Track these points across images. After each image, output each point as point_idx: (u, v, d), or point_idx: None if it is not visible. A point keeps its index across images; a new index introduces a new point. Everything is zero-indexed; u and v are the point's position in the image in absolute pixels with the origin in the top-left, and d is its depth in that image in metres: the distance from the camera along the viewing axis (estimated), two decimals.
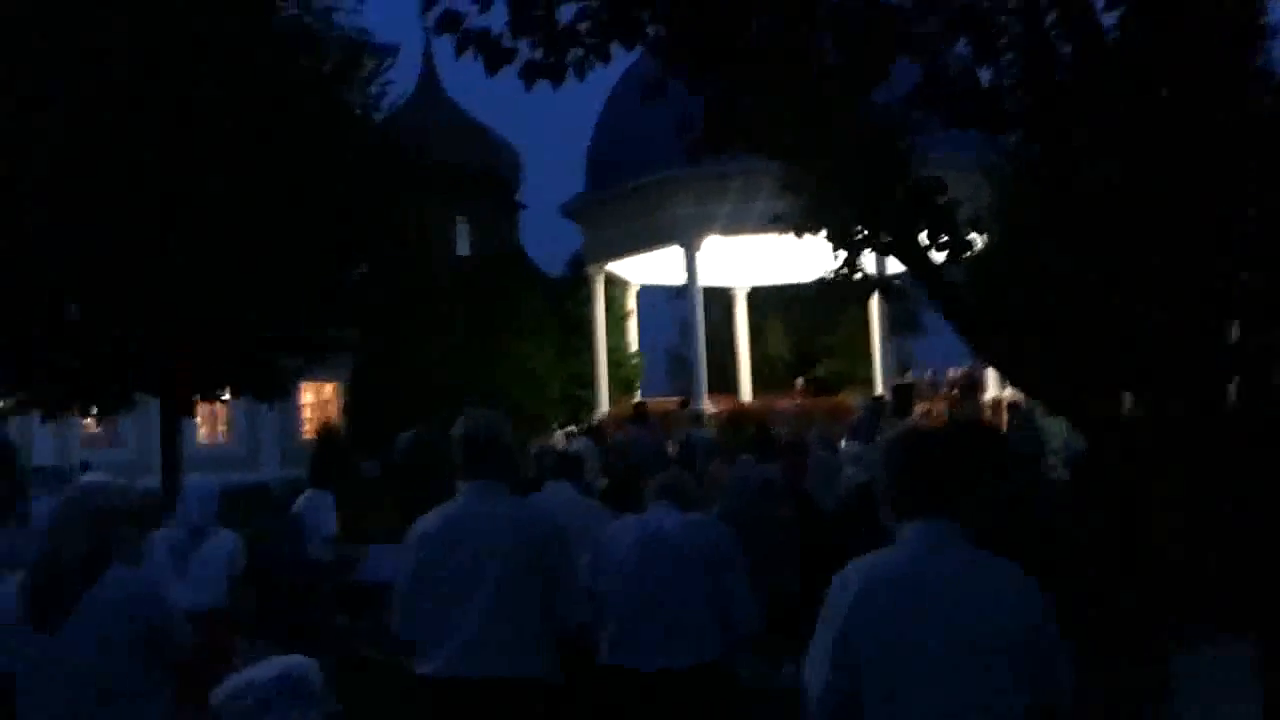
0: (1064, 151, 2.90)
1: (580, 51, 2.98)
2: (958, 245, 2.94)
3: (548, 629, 3.37)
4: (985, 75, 3.09)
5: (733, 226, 18.40)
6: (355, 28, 11.72)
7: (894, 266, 3.12)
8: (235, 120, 9.85)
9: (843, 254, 3.10)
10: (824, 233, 3.05)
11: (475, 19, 3.05)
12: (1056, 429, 10.10)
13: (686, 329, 22.73)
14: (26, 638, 3.10)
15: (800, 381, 22.60)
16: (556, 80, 2.97)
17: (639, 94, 3.31)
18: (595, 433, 16.87)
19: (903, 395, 18.59)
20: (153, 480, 12.48)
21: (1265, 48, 2.70)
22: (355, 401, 23.80)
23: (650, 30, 3.02)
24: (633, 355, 25.44)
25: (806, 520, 7.63)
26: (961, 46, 3.03)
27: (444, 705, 3.30)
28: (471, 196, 29.78)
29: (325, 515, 8.70)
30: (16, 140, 9.50)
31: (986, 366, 15.48)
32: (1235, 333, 2.73)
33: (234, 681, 3.94)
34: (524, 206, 33.67)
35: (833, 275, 3.19)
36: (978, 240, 3.27)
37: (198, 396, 11.58)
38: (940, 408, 18.97)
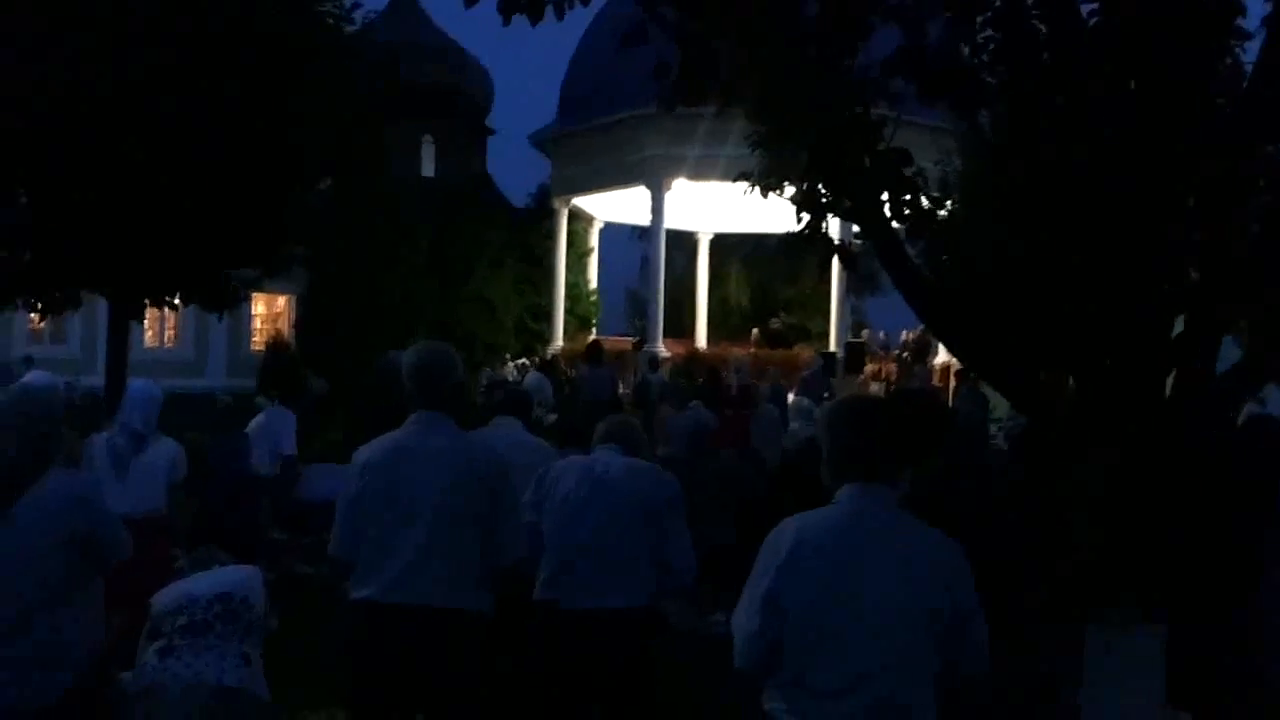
0: (1032, 131, 2.93)
1: None
2: (920, 218, 2.97)
3: (485, 563, 3.41)
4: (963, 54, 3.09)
5: (701, 171, 18.33)
6: None
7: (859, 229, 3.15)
8: (199, 25, 9.59)
9: (806, 216, 3.11)
10: (788, 193, 3.07)
11: None
12: (1002, 399, 10.29)
13: (647, 269, 22.66)
14: None
15: (756, 332, 22.72)
16: (535, 17, 2.93)
17: (617, 36, 3.28)
18: (549, 367, 16.90)
19: (855, 353, 18.81)
20: (96, 380, 12.32)
21: (1236, 51, 2.73)
22: (307, 317, 23.57)
23: None
24: (591, 292, 25.38)
25: (748, 472, 7.74)
26: (942, 18, 3.03)
27: (376, 629, 3.35)
28: (440, 116, 29.31)
29: (285, 433, 8.73)
30: None
31: None
32: (1179, 327, 2.80)
33: (175, 591, 3.95)
34: (493, 131, 33.21)
35: (795, 235, 3.20)
36: (941, 212, 3.29)
37: (146, 300, 11.39)
38: (890, 368, 19.23)
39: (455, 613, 3.33)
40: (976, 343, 2.94)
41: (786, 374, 16.12)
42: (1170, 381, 2.75)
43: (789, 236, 3.21)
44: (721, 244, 26.93)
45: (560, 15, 2.96)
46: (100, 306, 12.01)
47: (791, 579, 2.51)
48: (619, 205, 22.44)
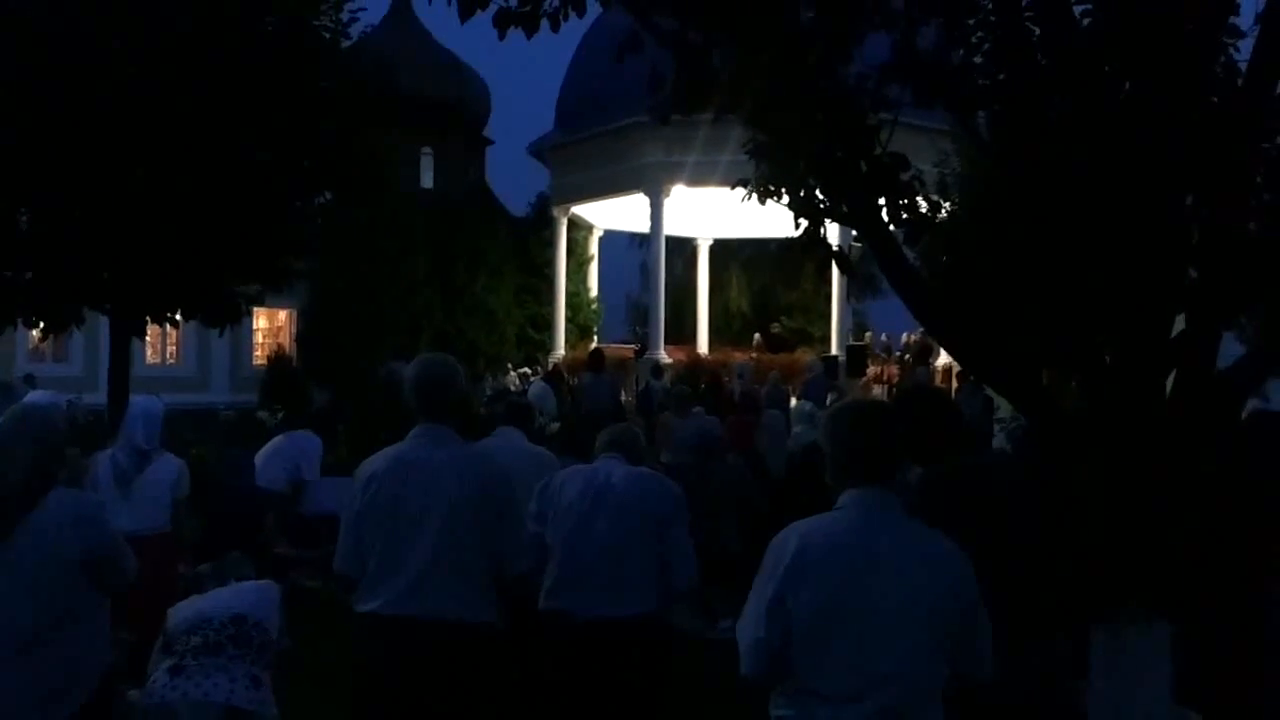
0: (1028, 132, 2.93)
1: (556, 2, 2.96)
2: (918, 222, 2.97)
3: (490, 574, 3.41)
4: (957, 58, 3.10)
5: (700, 177, 18.35)
6: None
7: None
8: (199, 40, 9.61)
9: (804, 222, 3.12)
10: (786, 200, 3.07)
11: None
12: (1004, 400, 10.29)
13: (647, 277, 22.68)
14: None
15: (757, 337, 22.72)
16: (530, 30, 2.94)
17: (613, 45, 3.29)
18: (554, 376, 16.91)
19: (856, 356, 18.80)
20: (99, 398, 12.34)
21: (1230, 50, 2.74)
22: (309, 331, 23.60)
23: None
24: (592, 301, 25.41)
25: (752, 478, 7.74)
26: (934, 25, 3.03)
27: (383, 642, 3.35)
28: (438, 128, 29.37)
29: (310, 456, 8.67)
30: None
31: None
32: (1180, 326, 2.81)
33: (190, 610, 3.95)
34: (491, 142, 33.28)
35: (793, 240, 3.21)
36: (940, 216, 3.30)
37: (148, 317, 11.40)
38: (893, 371, 19.24)
39: (462, 625, 3.33)
40: (976, 344, 2.94)
41: (789, 378, 16.12)
42: (1171, 380, 2.76)
43: (788, 242, 3.22)
44: (721, 249, 26.96)
45: (555, 28, 2.97)
46: (102, 324, 12.01)
47: (796, 585, 2.51)
48: (618, 213, 22.46)
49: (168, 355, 25.77)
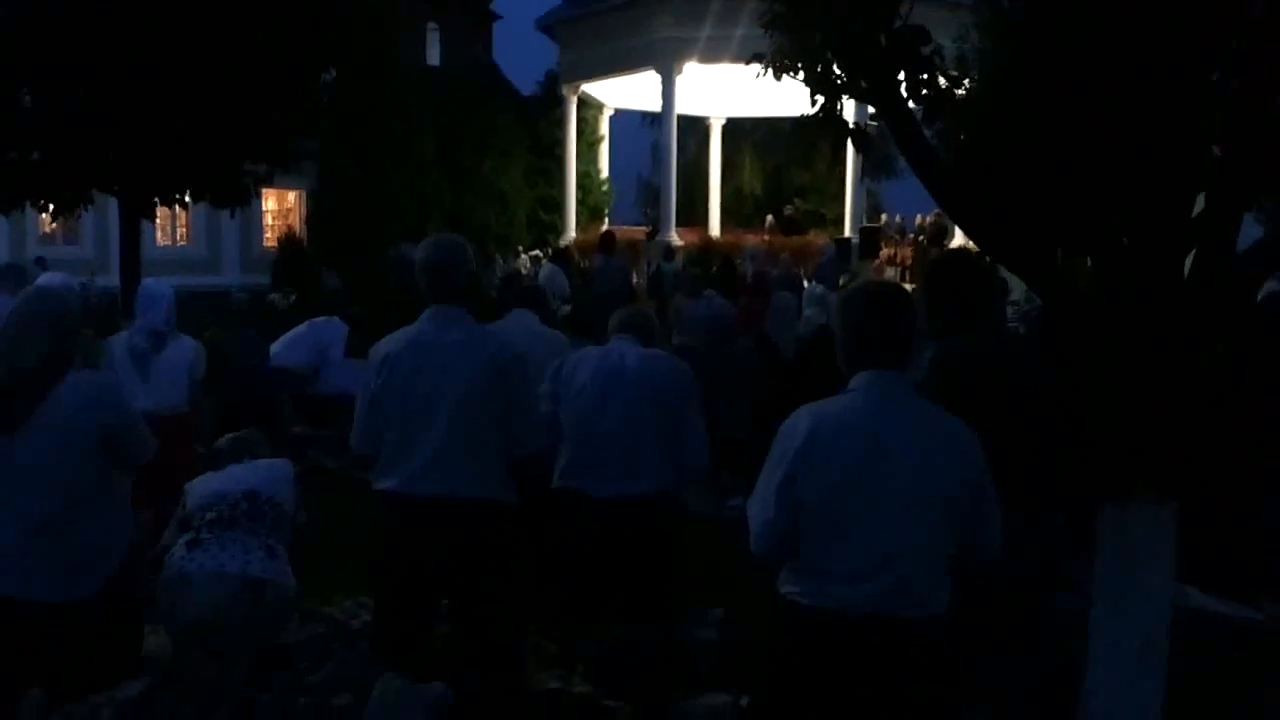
0: (1052, 7, 2.83)
1: None
2: (937, 97, 2.90)
3: (504, 453, 3.46)
4: None
5: (713, 53, 17.92)
6: None
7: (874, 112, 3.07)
8: None
9: (820, 98, 3.04)
10: (802, 75, 2.99)
11: None
12: (1018, 283, 10.22)
13: (658, 157, 22.35)
14: None
15: (770, 219, 22.51)
16: None
17: None
18: (563, 257, 16.84)
19: (869, 238, 18.66)
20: (111, 280, 12.36)
21: None
22: (318, 211, 23.44)
23: None
24: (602, 182, 25.11)
25: (763, 360, 7.76)
26: None
27: (400, 519, 3.41)
28: (444, 3, 28.60)
29: (335, 341, 8.75)
30: None
31: None
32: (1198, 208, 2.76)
33: (206, 487, 4.04)
34: (499, 17, 32.44)
35: (809, 118, 3.13)
36: (959, 92, 3.21)
37: (157, 199, 11.33)
38: (906, 253, 19.10)
39: (477, 502, 3.39)
40: (993, 225, 2.90)
41: (801, 260, 16.03)
42: (1189, 261, 2.72)
43: (803, 120, 3.14)
44: (734, 129, 26.49)
45: None
46: (112, 206, 11.95)
47: (807, 466, 2.53)
48: (629, 91, 22.03)
49: (178, 237, 25.70)
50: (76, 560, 3.21)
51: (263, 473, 4.18)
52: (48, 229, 22.97)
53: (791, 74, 3.08)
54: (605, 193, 25.32)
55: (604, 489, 3.94)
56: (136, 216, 11.42)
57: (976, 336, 3.32)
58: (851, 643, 2.49)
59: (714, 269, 13.40)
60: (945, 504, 2.51)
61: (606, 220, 23.99)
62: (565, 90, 22.39)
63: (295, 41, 10.65)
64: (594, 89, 22.53)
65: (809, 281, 13.20)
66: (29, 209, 11.55)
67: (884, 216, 22.11)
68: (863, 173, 19.80)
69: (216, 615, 3.73)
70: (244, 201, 11.93)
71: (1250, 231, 2.83)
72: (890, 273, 18.22)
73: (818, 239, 19.14)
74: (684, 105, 20.34)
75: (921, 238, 18.48)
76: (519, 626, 3.71)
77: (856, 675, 2.50)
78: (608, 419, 3.95)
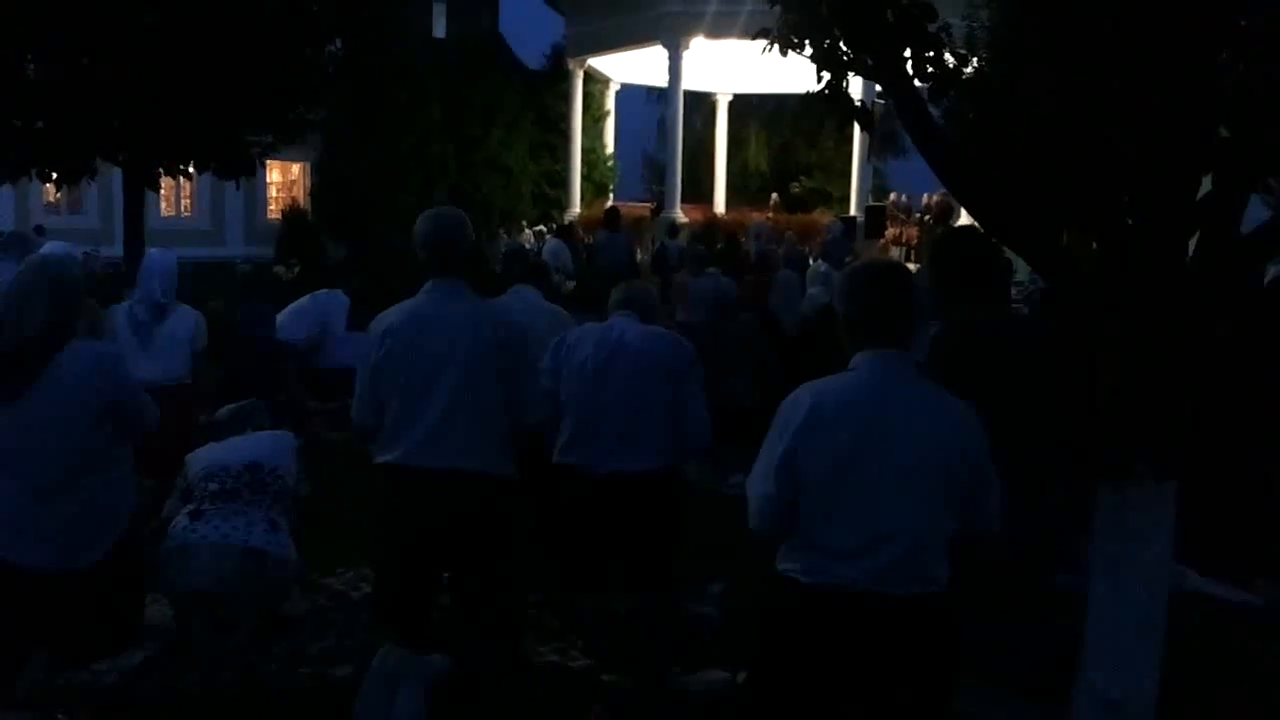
0: None
1: None
2: (943, 76, 2.88)
3: (505, 427, 3.46)
4: None
5: (720, 28, 17.80)
6: None
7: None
8: None
9: (826, 75, 3.02)
10: (808, 51, 2.97)
11: None
12: (1022, 262, 10.18)
13: (664, 133, 22.24)
14: None
15: (775, 196, 22.43)
16: None
17: None
18: (566, 232, 16.80)
19: (875, 217, 18.58)
20: (115, 250, 12.35)
21: None
22: (322, 183, 23.38)
23: None
24: (608, 157, 25.00)
25: (766, 337, 7.76)
26: None
27: (402, 491, 3.42)
28: None
29: (337, 314, 8.76)
30: None
31: None
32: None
33: (208, 459, 4.06)
34: None
35: (815, 95, 3.12)
36: (966, 70, 3.18)
37: (161, 169, 11.31)
38: (912, 232, 19.04)
39: (479, 474, 3.39)
40: (998, 205, 2.89)
41: (807, 238, 15.97)
42: (1194, 242, 2.71)
43: (810, 97, 3.12)
44: (741, 106, 26.37)
45: None
46: (116, 177, 11.93)
47: (807, 443, 2.53)
48: (635, 66, 21.89)
49: (182, 208, 25.67)
50: (80, 528, 3.23)
51: (265, 444, 4.20)
52: (52, 199, 22.96)
53: (798, 50, 3.06)
54: (610, 168, 25.21)
55: (604, 464, 3.95)
56: (140, 186, 11.40)
57: (979, 315, 3.32)
58: (850, 619, 2.49)
59: (718, 246, 13.36)
60: (945, 482, 2.51)
61: (611, 196, 23.90)
62: (571, 64, 22.26)
63: (301, 10, 10.60)
64: (600, 63, 22.41)
65: (814, 260, 13.15)
66: (34, 178, 11.52)
67: (890, 195, 22.01)
68: (869, 151, 19.69)
69: (218, 585, 3.75)
70: (248, 172, 11.90)
71: (1256, 215, 2.82)
72: (895, 252, 18.19)
73: (823, 217, 19.06)
74: (690, 81, 20.22)
75: (927, 217, 18.41)
76: (518, 600, 3.73)
77: (855, 652, 2.51)
78: (608, 394, 3.95)
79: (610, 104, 24.67)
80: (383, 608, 3.60)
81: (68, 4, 9.29)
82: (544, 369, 4.01)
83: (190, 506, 3.89)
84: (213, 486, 3.90)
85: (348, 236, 20.23)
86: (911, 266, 11.62)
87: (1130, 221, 2.76)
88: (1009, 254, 3.22)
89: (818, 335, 7.64)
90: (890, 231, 19.08)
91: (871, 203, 19.41)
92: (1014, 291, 11.52)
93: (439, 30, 28.67)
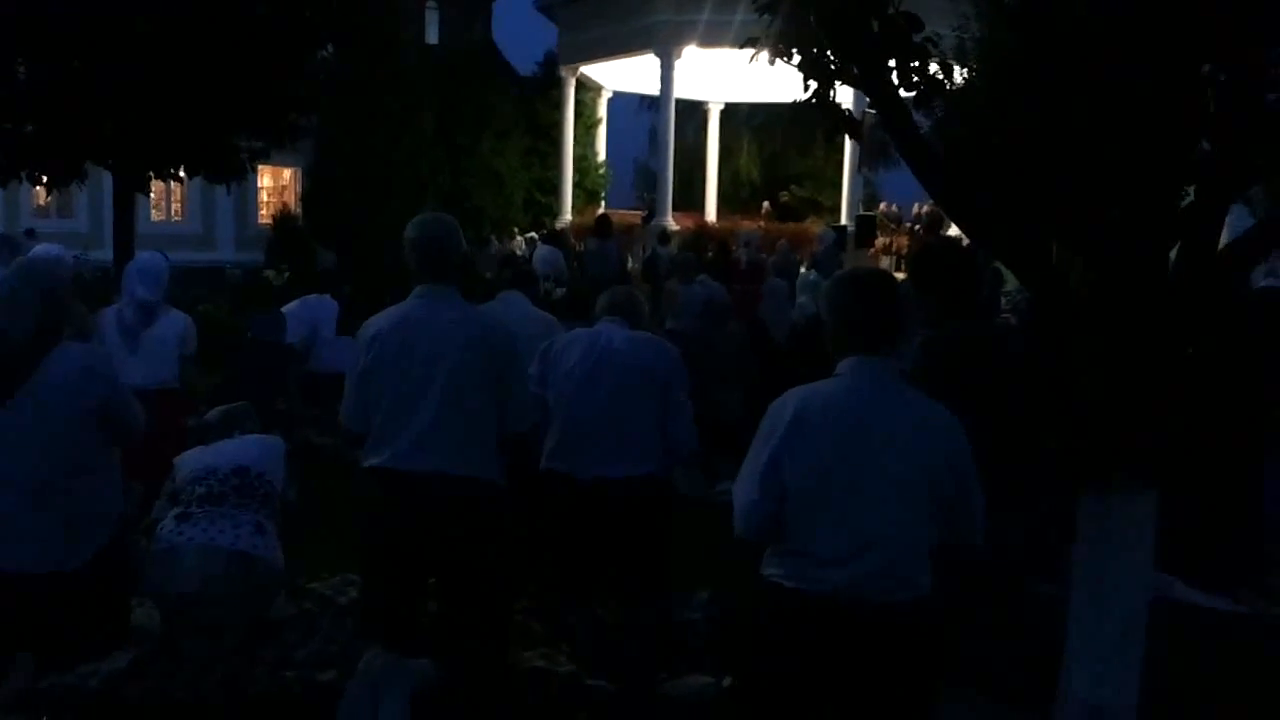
0: None
1: None
2: (929, 86, 2.90)
3: (493, 432, 3.47)
4: None
5: (712, 38, 17.85)
6: None
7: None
8: None
9: (813, 84, 3.04)
10: (797, 60, 2.99)
11: None
12: (1009, 273, 10.24)
13: (656, 141, 22.29)
14: None
15: (766, 205, 22.48)
16: None
17: None
18: (558, 238, 16.82)
19: (865, 226, 18.63)
20: (105, 254, 12.31)
21: None
22: (314, 189, 23.35)
23: None
24: (599, 165, 25.04)
25: (755, 345, 7.78)
26: None
27: (389, 496, 3.42)
28: None
29: (326, 319, 8.80)
30: None
31: None
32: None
33: (196, 462, 4.05)
34: None
35: (803, 104, 3.14)
36: (954, 83, 3.21)
37: (151, 173, 11.28)
38: (902, 241, 19.08)
39: (465, 480, 3.40)
40: (984, 215, 2.91)
41: (797, 247, 16.00)
42: (1175, 252, 2.74)
43: (799, 105, 3.14)
44: (732, 115, 26.42)
45: None
46: (106, 181, 11.90)
47: (792, 449, 2.55)
48: (627, 74, 21.94)
49: (173, 213, 25.59)
50: (67, 531, 3.23)
51: (253, 449, 4.19)
52: (41, 202, 22.88)
53: (786, 59, 3.08)
54: (602, 176, 25.24)
55: (591, 471, 3.96)
56: (131, 190, 11.37)
57: (962, 324, 3.34)
58: (834, 625, 2.51)
59: (709, 254, 13.39)
60: (929, 489, 2.53)
61: (603, 204, 23.93)
62: (564, 72, 22.30)
63: (294, 14, 10.60)
64: (592, 71, 22.45)
65: (805, 268, 13.18)
66: (23, 181, 11.49)
67: (881, 205, 22.08)
68: (860, 161, 19.75)
69: (205, 589, 3.75)
70: (239, 177, 11.88)
71: (1242, 221, 2.85)
72: (886, 261, 18.22)
73: (814, 226, 19.11)
74: (682, 89, 20.26)
75: (918, 227, 18.46)
76: (505, 605, 3.73)
77: (839, 658, 2.53)
78: (595, 401, 3.96)
79: (602, 112, 24.71)
80: (369, 612, 3.61)
81: (59, 7, 9.27)
82: (532, 375, 4.02)
83: (177, 509, 3.89)
84: (200, 490, 3.89)
85: (338, 242, 20.20)
86: (900, 276, 11.64)
87: (1113, 232, 2.79)
88: (998, 264, 3.25)
89: (807, 344, 7.66)
90: (880, 241, 19.13)
91: (862, 212, 19.47)
92: (1003, 301, 11.57)
93: (432, 37, 28.71)
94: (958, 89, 2.99)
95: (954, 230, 16.43)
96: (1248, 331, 4.81)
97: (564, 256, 14.56)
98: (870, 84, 2.90)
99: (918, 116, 3.07)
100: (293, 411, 8.08)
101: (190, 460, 4.13)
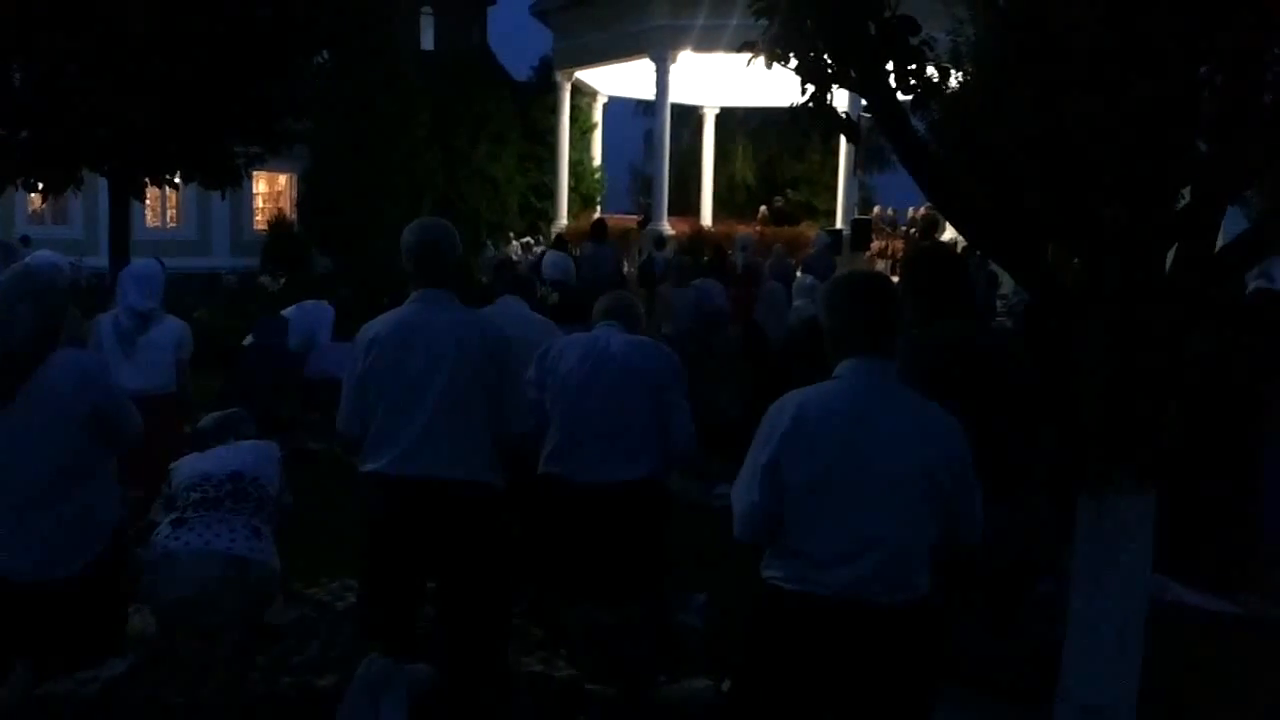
0: None
1: None
2: (925, 88, 2.91)
3: (490, 436, 3.46)
4: None
5: (707, 42, 17.88)
6: None
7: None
8: None
9: (810, 87, 3.05)
10: (793, 64, 3.00)
11: None
12: (1007, 276, 10.25)
13: (651, 145, 22.31)
14: None
15: (763, 209, 22.49)
16: None
17: None
18: (562, 243, 16.85)
19: (861, 230, 18.66)
20: (100, 261, 12.30)
21: None
22: (309, 194, 23.36)
23: None
24: (595, 169, 25.05)
25: (752, 349, 7.79)
26: None
27: (386, 500, 3.42)
28: None
29: (323, 325, 8.82)
30: None
31: None
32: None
33: (192, 468, 4.05)
34: (493, 2, 32.29)
35: (800, 107, 3.14)
36: (950, 83, 3.21)
37: (146, 179, 11.29)
38: (898, 245, 19.11)
39: (464, 483, 3.39)
40: (980, 218, 2.92)
41: (793, 251, 16.01)
42: (1172, 254, 2.75)
43: (795, 109, 3.15)
44: (728, 119, 26.45)
45: None
46: (102, 187, 11.91)
47: (791, 450, 2.55)
48: (623, 79, 21.95)
49: (168, 219, 25.56)
50: (63, 537, 3.22)
51: (248, 454, 4.19)
52: (37, 209, 22.86)
53: (782, 63, 3.09)
54: (598, 180, 25.26)
55: (589, 474, 3.95)
56: (126, 197, 11.37)
57: (952, 326, 3.35)
58: (833, 627, 2.51)
59: (705, 258, 13.40)
60: (928, 489, 2.53)
61: (599, 208, 23.94)
62: (559, 77, 22.31)
63: (289, 21, 10.61)
64: (588, 76, 22.47)
65: (800, 272, 13.20)
66: (19, 188, 11.49)
67: (876, 209, 22.10)
68: (855, 165, 19.78)
69: (201, 594, 3.74)
70: (235, 183, 11.88)
71: (1237, 224, 2.86)
72: (881, 265, 18.25)
73: (810, 230, 19.12)
74: (678, 94, 20.29)
75: (914, 230, 18.49)
76: (504, 609, 3.73)
77: (838, 659, 2.53)
78: (592, 405, 3.96)
79: (598, 116, 24.73)
80: (367, 617, 3.60)
81: (55, 13, 9.28)
82: (529, 379, 4.02)
83: (173, 515, 3.89)
84: (195, 496, 3.89)
85: (334, 247, 20.21)
86: (896, 279, 11.66)
87: (1109, 234, 2.79)
88: (994, 267, 3.25)
89: (803, 346, 7.67)
90: (876, 244, 19.16)
91: (858, 216, 19.50)
92: (999, 304, 11.58)
93: (427, 42, 28.73)
94: (953, 92, 2.99)
95: (950, 234, 16.48)
96: (1244, 332, 4.82)
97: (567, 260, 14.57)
98: (867, 87, 2.90)
99: (914, 119, 3.08)
100: (292, 416, 8.09)
101: (186, 467, 4.12)
